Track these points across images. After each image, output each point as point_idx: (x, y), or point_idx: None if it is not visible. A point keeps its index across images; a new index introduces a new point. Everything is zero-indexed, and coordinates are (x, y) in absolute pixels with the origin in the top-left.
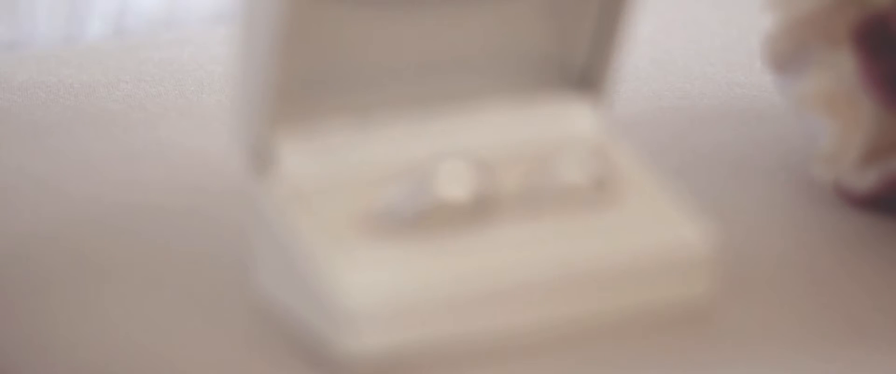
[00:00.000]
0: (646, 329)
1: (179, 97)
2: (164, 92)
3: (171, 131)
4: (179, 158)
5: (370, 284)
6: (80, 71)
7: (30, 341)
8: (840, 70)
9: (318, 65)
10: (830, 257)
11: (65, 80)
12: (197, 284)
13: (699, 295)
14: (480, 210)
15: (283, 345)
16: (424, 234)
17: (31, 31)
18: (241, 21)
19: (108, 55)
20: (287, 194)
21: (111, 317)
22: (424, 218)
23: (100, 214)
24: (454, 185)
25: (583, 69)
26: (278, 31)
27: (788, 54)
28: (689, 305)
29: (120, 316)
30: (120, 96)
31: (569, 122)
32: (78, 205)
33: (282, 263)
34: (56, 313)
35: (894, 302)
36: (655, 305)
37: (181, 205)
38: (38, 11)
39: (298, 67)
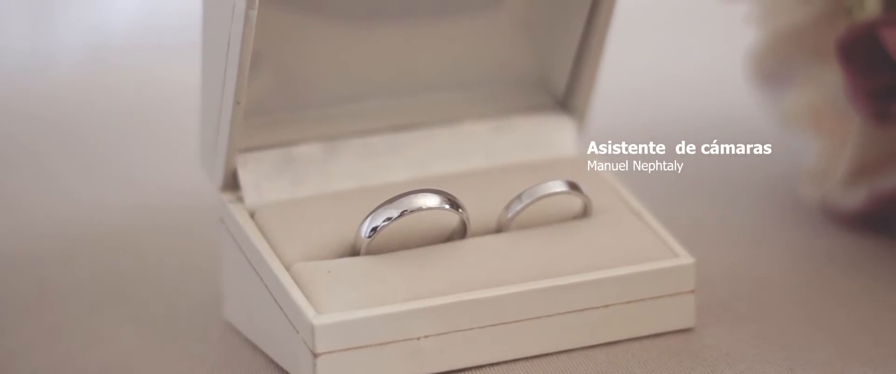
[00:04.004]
0: (629, 351)
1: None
2: (140, 110)
3: (150, 150)
4: (153, 179)
5: (336, 309)
6: (49, 90)
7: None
8: (826, 85)
9: (285, 85)
10: (818, 277)
11: (31, 100)
12: (169, 305)
13: (683, 317)
14: (454, 239)
15: (251, 368)
16: (393, 260)
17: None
18: (203, 41)
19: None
20: (252, 216)
21: (81, 340)
22: (394, 247)
23: (67, 236)
24: (427, 219)
25: (562, 89)
26: (241, 52)
27: (773, 69)
28: (672, 326)
29: (91, 338)
30: (92, 115)
31: (549, 142)
32: (44, 227)
33: (247, 285)
34: (22, 337)
35: (883, 322)
36: (638, 326)
37: (155, 227)
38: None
39: (263, 88)
